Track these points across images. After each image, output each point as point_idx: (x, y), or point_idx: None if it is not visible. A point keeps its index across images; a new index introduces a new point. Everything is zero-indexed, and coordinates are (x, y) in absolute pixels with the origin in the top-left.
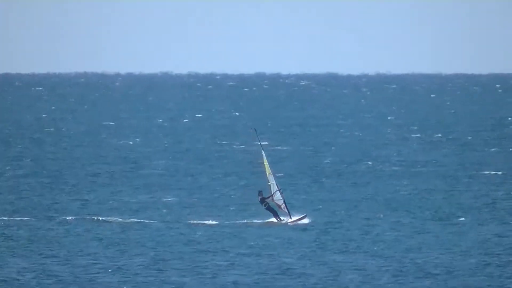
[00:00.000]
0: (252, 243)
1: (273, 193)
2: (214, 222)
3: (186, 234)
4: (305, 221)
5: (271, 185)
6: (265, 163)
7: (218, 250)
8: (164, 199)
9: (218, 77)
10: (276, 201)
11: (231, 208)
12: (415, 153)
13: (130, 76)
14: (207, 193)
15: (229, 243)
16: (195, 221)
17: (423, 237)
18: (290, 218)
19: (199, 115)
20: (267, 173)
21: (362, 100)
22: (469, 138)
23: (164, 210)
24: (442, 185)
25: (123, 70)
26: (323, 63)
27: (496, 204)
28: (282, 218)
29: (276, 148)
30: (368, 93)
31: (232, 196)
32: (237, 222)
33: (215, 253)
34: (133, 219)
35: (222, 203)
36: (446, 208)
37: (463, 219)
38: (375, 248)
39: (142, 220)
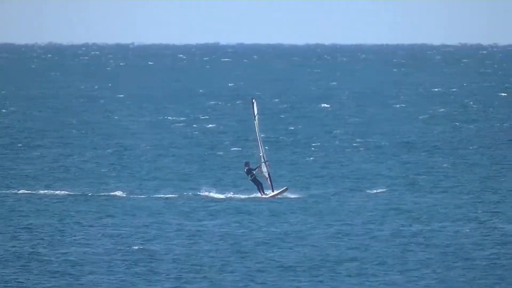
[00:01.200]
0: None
1: (260, 164)
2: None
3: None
4: (290, 195)
5: (260, 156)
6: (257, 132)
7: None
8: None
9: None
10: (263, 173)
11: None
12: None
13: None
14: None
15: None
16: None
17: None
18: (272, 191)
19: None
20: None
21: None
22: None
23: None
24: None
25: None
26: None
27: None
28: (266, 192)
29: None
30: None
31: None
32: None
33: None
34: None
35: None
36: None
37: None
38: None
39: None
